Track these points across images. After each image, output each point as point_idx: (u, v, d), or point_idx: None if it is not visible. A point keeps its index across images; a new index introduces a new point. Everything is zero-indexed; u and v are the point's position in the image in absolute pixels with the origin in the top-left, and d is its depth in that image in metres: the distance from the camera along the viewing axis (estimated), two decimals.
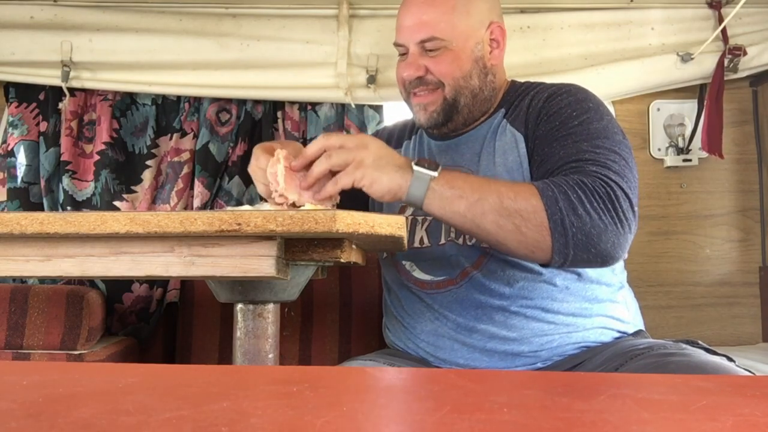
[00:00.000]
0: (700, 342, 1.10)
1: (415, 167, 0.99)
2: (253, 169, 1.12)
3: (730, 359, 1.02)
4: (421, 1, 1.20)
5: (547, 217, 0.97)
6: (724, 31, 1.83)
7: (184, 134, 1.84)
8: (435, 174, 0.98)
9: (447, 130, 1.25)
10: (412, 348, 1.24)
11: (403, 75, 1.21)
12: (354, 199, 1.10)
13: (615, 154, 1.05)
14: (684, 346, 1.04)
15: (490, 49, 1.23)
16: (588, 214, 0.97)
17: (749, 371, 0.96)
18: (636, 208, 1.03)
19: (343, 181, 0.97)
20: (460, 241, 1.18)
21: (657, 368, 0.94)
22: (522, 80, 1.31)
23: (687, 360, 0.95)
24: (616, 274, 1.22)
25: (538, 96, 1.20)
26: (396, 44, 1.24)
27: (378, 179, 0.97)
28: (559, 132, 1.11)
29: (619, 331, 1.18)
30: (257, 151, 1.13)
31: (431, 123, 1.22)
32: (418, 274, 1.23)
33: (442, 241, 1.20)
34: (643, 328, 1.24)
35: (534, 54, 1.83)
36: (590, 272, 1.17)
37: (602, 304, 1.17)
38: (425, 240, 1.22)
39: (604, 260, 1.01)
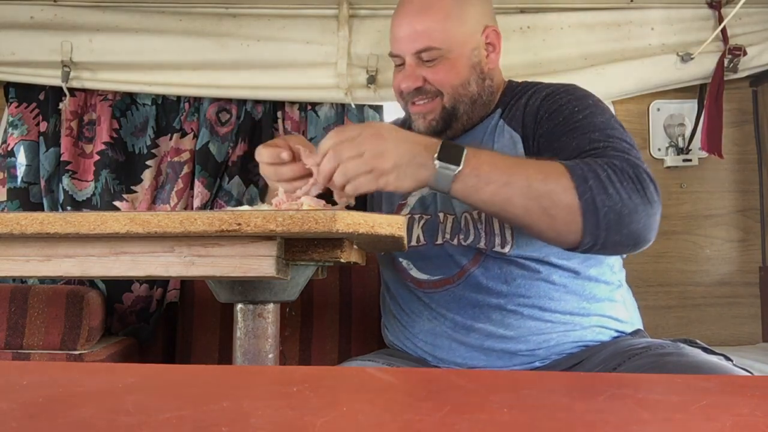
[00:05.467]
0: (698, 342, 1.10)
1: (438, 163, 0.94)
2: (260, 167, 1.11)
3: (728, 359, 1.02)
4: (414, 11, 1.18)
5: (577, 196, 0.94)
6: (724, 31, 1.83)
7: (184, 134, 1.84)
8: (459, 168, 0.94)
9: (445, 136, 1.23)
10: (410, 347, 1.24)
11: (401, 86, 1.20)
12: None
13: (626, 143, 1.06)
14: (682, 345, 1.04)
15: (486, 54, 1.22)
16: (618, 193, 0.95)
17: (747, 371, 0.96)
18: (659, 191, 1.00)
19: (365, 188, 0.94)
20: (455, 241, 1.18)
21: (654, 368, 0.94)
22: (520, 80, 1.30)
23: (684, 360, 0.95)
24: (614, 272, 1.22)
25: (535, 95, 1.19)
26: (392, 55, 1.23)
27: (402, 184, 0.95)
28: (566, 127, 1.11)
29: (618, 331, 1.17)
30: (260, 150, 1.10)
31: (430, 131, 1.21)
32: (416, 273, 1.23)
33: (439, 240, 1.20)
34: (641, 327, 1.24)
35: (534, 54, 1.83)
36: (588, 270, 1.16)
37: (600, 303, 1.17)
38: (421, 239, 1.22)
39: (635, 242, 0.98)
